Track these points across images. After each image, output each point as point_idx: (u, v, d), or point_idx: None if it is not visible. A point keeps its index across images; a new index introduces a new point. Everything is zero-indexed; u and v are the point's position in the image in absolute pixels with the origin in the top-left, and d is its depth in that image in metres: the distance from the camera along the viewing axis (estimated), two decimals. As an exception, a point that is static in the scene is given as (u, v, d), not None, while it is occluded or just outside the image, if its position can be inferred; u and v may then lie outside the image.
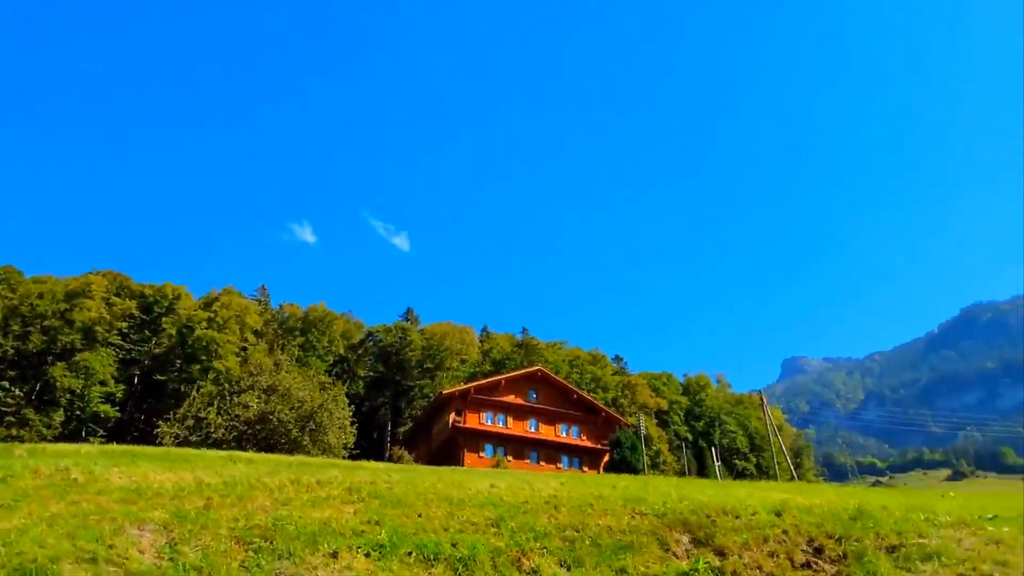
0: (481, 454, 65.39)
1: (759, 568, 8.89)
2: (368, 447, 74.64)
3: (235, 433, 41.21)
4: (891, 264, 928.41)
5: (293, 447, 39.93)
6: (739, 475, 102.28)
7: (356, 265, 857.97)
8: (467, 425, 66.33)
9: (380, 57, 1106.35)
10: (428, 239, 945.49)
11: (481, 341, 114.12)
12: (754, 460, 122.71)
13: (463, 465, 57.54)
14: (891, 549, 9.00)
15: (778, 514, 9.93)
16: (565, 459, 70.32)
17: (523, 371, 77.56)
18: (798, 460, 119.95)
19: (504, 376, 75.24)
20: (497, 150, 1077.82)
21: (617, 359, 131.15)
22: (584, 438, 72.87)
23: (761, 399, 72.83)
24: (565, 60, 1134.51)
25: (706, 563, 8.81)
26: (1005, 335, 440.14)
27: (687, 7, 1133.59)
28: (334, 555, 9.25)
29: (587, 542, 9.90)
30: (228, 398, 43.23)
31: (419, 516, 10.66)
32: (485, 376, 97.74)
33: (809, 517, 9.85)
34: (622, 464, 68.03)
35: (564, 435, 71.82)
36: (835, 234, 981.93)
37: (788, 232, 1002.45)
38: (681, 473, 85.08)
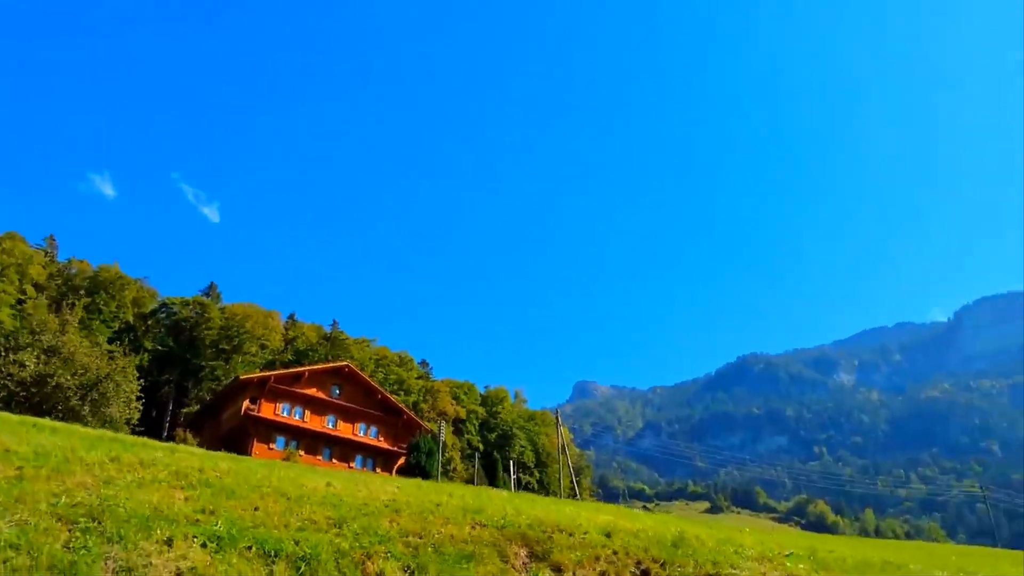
0: (272, 445, 62.98)
1: (593, 585, 9.31)
2: (148, 425, 69.50)
3: (4, 392, 36.92)
4: (682, 306, 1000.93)
5: (70, 416, 36.37)
6: (523, 488, 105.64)
7: (158, 229, 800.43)
8: (261, 414, 63.69)
9: (230, 16, 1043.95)
10: (241, 214, 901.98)
11: (286, 328, 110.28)
12: (538, 475, 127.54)
13: (251, 455, 55.11)
14: (710, 577, 9.73)
15: (608, 535, 10.44)
16: (359, 459, 69.38)
17: (329, 365, 75.85)
18: (578, 479, 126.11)
19: (309, 368, 73.17)
20: (328, 137, 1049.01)
21: (423, 363, 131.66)
22: (382, 439, 72.33)
23: (556, 418, 75.83)
24: (386, 38, 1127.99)
25: None
26: (772, 385, 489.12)
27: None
28: (168, 543, 8.52)
29: (430, 549, 9.84)
30: (3, 354, 38.64)
31: (256, 509, 10.08)
32: (286, 366, 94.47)
33: (636, 541, 10.42)
34: (416, 468, 68.25)
35: (362, 434, 70.90)
36: (635, 270, 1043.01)
37: (595, 261, 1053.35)
38: (470, 482, 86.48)
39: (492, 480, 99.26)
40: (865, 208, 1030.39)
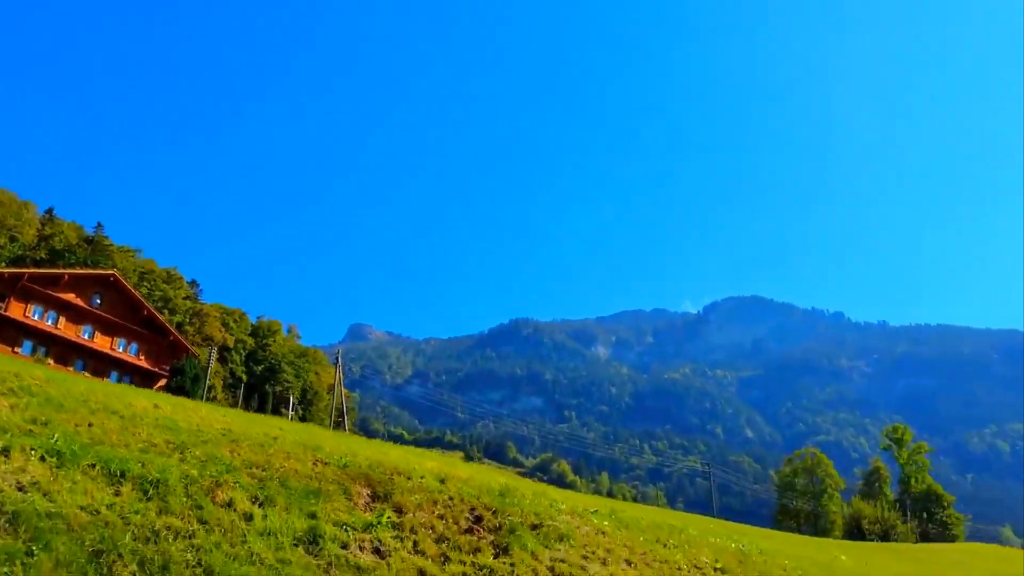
0: (17, 350, 56.75)
1: (432, 528, 9.61)
2: None
3: None
4: (465, 266, 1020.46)
5: None
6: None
7: None
8: (9, 314, 57.10)
9: None
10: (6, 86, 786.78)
11: (42, 224, 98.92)
12: (300, 412, 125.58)
13: (-11, 357, 49.32)
14: (534, 527, 10.42)
15: (442, 481, 10.80)
16: (115, 375, 64.36)
17: (94, 271, 69.44)
18: (341, 419, 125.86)
19: (70, 272, 66.41)
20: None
21: (193, 283, 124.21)
22: (143, 358, 67.64)
23: (338, 357, 75.01)
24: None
25: (388, 518, 9.25)
26: (537, 350, 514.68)
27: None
28: (5, 453, 7.59)
29: (276, 482, 9.60)
30: None
31: (90, 426, 9.20)
32: (37, 264, 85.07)
33: (468, 488, 10.89)
34: (179, 393, 64.63)
35: (121, 350, 65.83)
36: (420, 224, 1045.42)
37: (384, 208, 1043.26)
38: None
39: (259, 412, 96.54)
40: (636, 201, 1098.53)
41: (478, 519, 10.12)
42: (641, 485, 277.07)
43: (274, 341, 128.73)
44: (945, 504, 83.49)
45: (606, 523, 11.93)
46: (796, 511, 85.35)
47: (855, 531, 66.62)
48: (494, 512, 10.37)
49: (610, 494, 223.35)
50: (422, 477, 10.60)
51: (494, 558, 9.30)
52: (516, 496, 11.20)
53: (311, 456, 10.67)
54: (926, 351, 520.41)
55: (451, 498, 10.30)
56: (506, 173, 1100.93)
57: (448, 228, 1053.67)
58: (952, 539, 73.37)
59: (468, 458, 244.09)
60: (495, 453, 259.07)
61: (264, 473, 9.84)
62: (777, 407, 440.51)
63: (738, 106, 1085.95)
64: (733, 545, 13.77)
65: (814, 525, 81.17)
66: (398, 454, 13.86)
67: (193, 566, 7.38)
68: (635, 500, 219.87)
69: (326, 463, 10.40)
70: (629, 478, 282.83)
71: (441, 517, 9.82)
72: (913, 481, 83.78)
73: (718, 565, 11.91)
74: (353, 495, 9.70)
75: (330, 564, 8.06)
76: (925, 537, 68.45)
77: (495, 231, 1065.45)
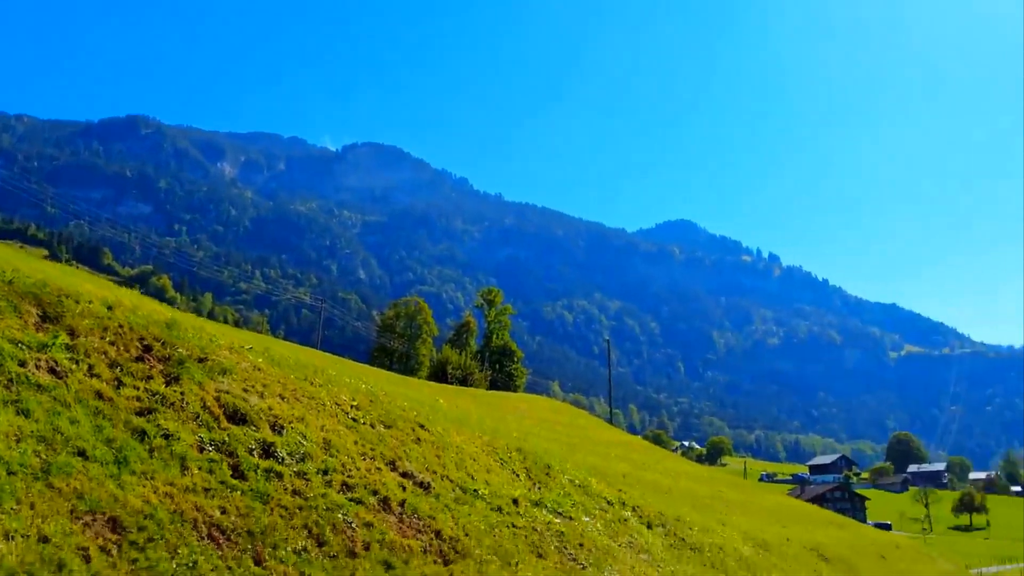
0: None
1: (105, 353, 9.85)
2: None
3: None
4: (90, 38, 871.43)
5: None
6: None
7: None
8: None
9: None
10: None
11: None
12: None
13: None
14: (200, 360, 11.23)
15: (110, 308, 10.85)
16: None
17: None
18: None
19: None
20: None
21: None
22: None
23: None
24: None
25: (62, 340, 9.26)
26: (153, 153, 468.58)
27: None
28: None
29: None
30: None
31: None
32: None
33: (136, 318, 11.11)
34: None
35: None
36: None
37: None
38: None
39: None
40: (293, 24, 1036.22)
41: (147, 348, 10.63)
42: (246, 310, 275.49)
43: None
44: (515, 359, 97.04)
45: (260, 360, 13.13)
46: (392, 351, 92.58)
47: (440, 374, 74.70)
48: (163, 343, 10.94)
49: (211, 315, 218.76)
50: (90, 302, 10.65)
51: (166, 386, 10.05)
52: (181, 329, 11.79)
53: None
54: (529, 227, 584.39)
55: (120, 326, 10.57)
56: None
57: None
58: (515, 389, 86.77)
59: (54, 257, 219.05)
60: (87, 257, 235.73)
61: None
62: (392, 254, 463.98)
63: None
64: (364, 386, 15.95)
65: (405, 365, 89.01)
66: (56, 273, 13.25)
67: None
68: (237, 324, 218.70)
69: (-11, 277, 9.81)
70: (234, 302, 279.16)
71: (112, 343, 10.13)
72: (495, 337, 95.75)
73: (354, 403, 13.95)
74: (23, 314, 9.52)
75: (11, 381, 8.16)
76: (494, 385, 79.80)
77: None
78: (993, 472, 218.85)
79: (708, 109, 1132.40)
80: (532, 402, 55.65)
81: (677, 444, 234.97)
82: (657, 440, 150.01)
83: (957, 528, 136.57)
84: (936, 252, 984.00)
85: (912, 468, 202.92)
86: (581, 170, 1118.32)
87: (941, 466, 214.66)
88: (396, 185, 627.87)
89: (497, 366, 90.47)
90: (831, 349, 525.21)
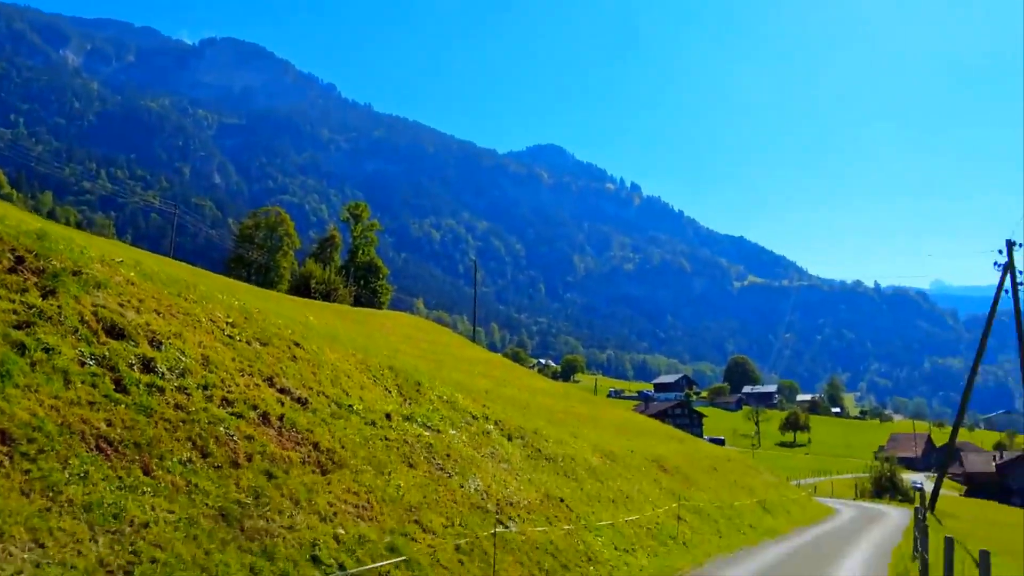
0: None
1: (-24, 265, 9.61)
2: None
3: None
4: None
5: None
6: None
7: None
8: None
9: None
10: None
11: None
12: None
13: None
14: (75, 273, 11.04)
15: (-24, 217, 10.41)
16: None
17: None
18: None
19: None
20: None
21: None
22: None
23: None
24: None
25: None
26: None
27: None
28: None
29: None
30: None
31: None
32: None
33: (4, 227, 10.72)
34: None
35: None
36: None
37: None
38: None
39: None
40: None
41: (20, 260, 10.36)
42: (89, 211, 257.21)
43: None
44: (381, 276, 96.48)
45: (132, 274, 12.97)
46: (250, 262, 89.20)
47: (302, 288, 73.25)
48: (35, 255, 10.67)
49: (52, 215, 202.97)
50: (-48, 209, 10.24)
51: (42, 299, 9.92)
52: (52, 240, 11.48)
53: None
54: (399, 141, 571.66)
55: (-10, 236, 10.28)
56: None
57: None
58: (380, 305, 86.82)
59: None
60: None
61: None
62: (251, 160, 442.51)
63: None
64: (236, 303, 16.03)
65: (264, 277, 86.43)
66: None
67: None
68: (80, 226, 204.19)
69: None
70: (77, 202, 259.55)
71: (-15, 255, 9.87)
72: (360, 253, 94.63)
73: (229, 319, 14.12)
74: None
75: None
76: (359, 301, 79.52)
77: None
78: (818, 395, 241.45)
79: (584, 37, 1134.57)
80: (396, 319, 56.29)
81: (534, 362, 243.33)
82: (516, 358, 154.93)
83: (783, 444, 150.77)
84: (782, 193, 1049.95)
85: (747, 389, 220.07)
86: (455, 87, 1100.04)
87: (772, 388, 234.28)
88: (258, 87, 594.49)
89: (362, 282, 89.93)
90: (681, 276, 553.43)
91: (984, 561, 8.97)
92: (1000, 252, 35.64)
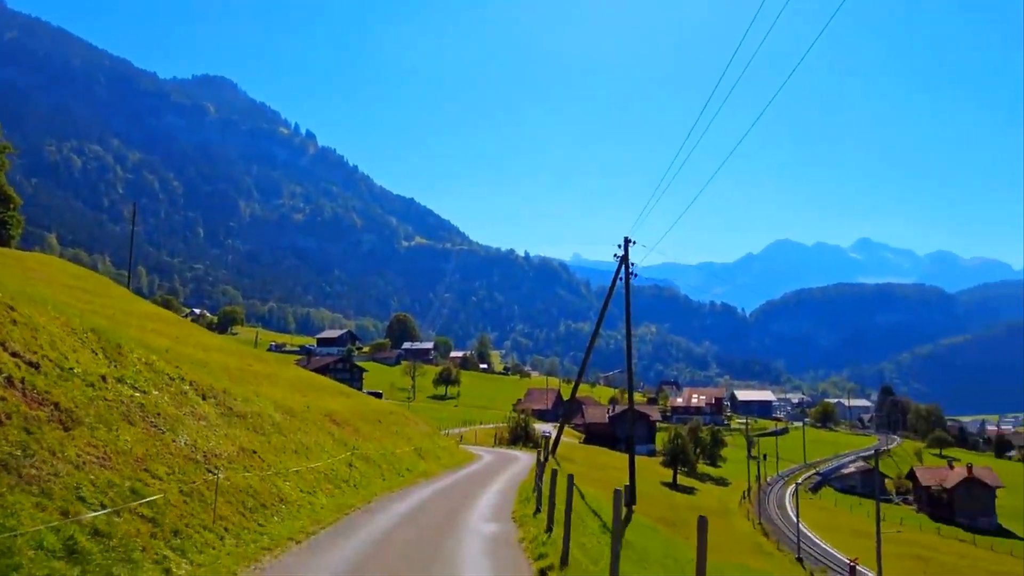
0: None
1: None
2: None
3: None
4: None
5: None
6: None
7: None
8: None
9: None
10: None
11: None
12: None
13: None
14: None
15: None
16: None
17: None
18: None
19: None
20: None
21: None
22: None
23: None
24: None
25: None
26: None
27: None
28: None
29: None
30: None
31: None
32: None
33: None
34: None
35: None
36: None
37: None
38: None
39: None
40: None
41: None
42: None
43: None
44: (12, 206, 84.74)
45: None
46: None
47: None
48: None
49: None
50: None
51: None
52: None
53: None
54: (38, 48, 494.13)
55: None
56: None
57: None
58: (10, 241, 76.80)
59: None
60: None
61: None
62: None
63: None
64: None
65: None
66: None
67: None
68: None
69: None
70: None
71: None
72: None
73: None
74: None
75: None
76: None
77: None
78: (469, 351, 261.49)
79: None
80: (47, 264, 51.88)
81: (188, 311, 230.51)
82: (167, 306, 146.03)
83: (436, 397, 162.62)
84: (453, 162, 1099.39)
85: (406, 345, 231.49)
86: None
87: (430, 344, 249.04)
88: None
89: (-10, 215, 79.39)
90: (352, 231, 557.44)
91: (617, 499, 12.36)
92: (619, 246, 44.17)
